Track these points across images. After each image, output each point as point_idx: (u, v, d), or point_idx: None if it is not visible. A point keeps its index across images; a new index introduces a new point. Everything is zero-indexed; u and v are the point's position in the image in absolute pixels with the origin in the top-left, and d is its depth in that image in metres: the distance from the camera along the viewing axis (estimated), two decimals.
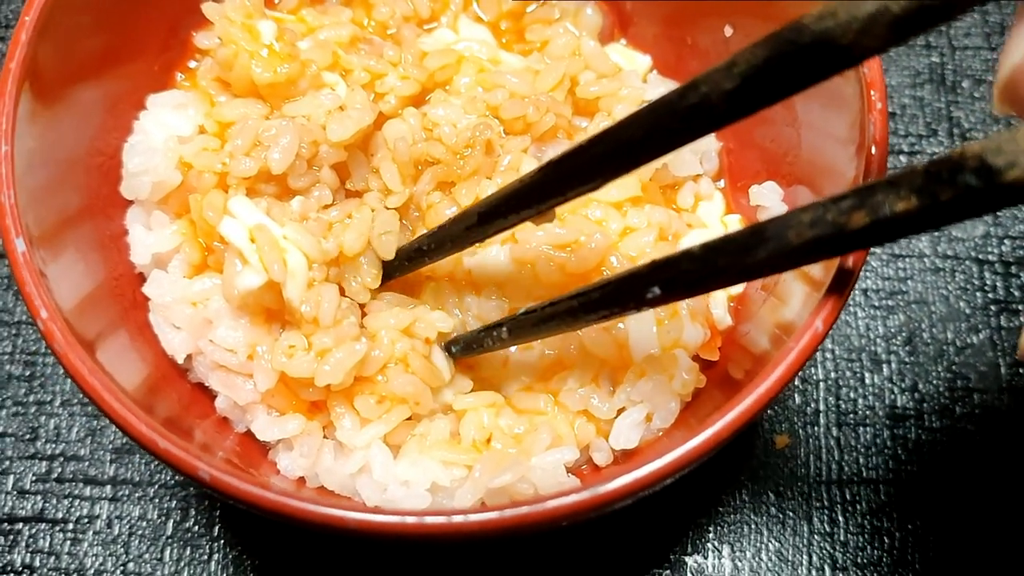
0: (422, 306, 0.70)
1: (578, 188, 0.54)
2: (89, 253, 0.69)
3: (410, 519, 0.53)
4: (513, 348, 0.69)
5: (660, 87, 0.80)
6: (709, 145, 0.79)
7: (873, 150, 0.60)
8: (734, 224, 0.76)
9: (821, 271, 0.60)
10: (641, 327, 0.68)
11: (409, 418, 0.69)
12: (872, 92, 0.61)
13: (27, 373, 0.86)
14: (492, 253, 0.69)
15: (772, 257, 0.46)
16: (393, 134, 0.72)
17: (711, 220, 0.77)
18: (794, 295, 0.65)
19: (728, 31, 0.76)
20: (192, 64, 0.77)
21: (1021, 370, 0.85)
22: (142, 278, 0.72)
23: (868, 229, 0.41)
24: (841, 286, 0.57)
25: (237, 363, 0.66)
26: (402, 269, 0.69)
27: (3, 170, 0.61)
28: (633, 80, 0.78)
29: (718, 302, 0.74)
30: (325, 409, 0.68)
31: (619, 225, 0.72)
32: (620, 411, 0.69)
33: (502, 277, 0.71)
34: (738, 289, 0.75)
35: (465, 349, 0.69)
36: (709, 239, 0.49)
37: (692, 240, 0.74)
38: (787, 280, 0.67)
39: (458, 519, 0.53)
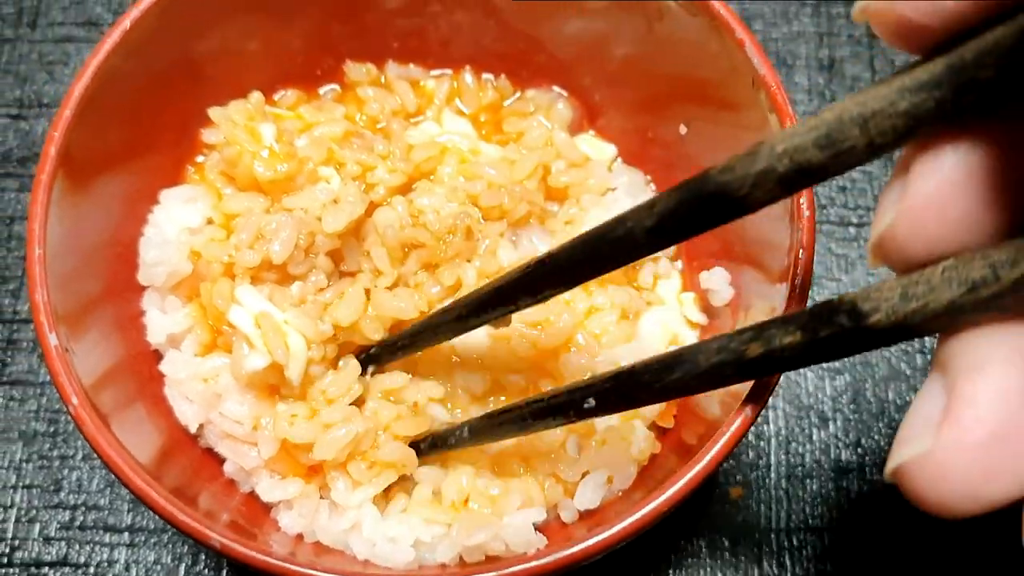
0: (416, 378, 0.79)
1: (528, 300, 0.62)
2: (110, 334, 0.77)
3: None
4: None
5: (623, 175, 0.88)
6: None
7: (803, 202, 0.68)
8: (688, 301, 0.85)
9: None
10: None
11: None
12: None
13: (51, 430, 0.95)
14: (474, 333, 0.77)
15: (685, 378, 0.52)
16: (383, 221, 0.80)
17: (668, 297, 0.85)
18: None
19: (683, 129, 0.84)
20: (200, 158, 0.85)
21: None
22: (157, 355, 0.81)
23: (761, 358, 0.47)
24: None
25: (243, 433, 0.75)
26: (391, 358, 0.78)
27: (37, 271, 0.69)
28: (599, 170, 0.87)
29: None
30: (322, 472, 0.77)
31: (585, 305, 0.80)
32: (585, 474, 0.77)
33: (483, 351, 0.79)
34: None
35: (432, 446, 0.77)
36: (636, 361, 0.56)
37: (651, 318, 0.82)
38: None
39: None
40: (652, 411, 0.78)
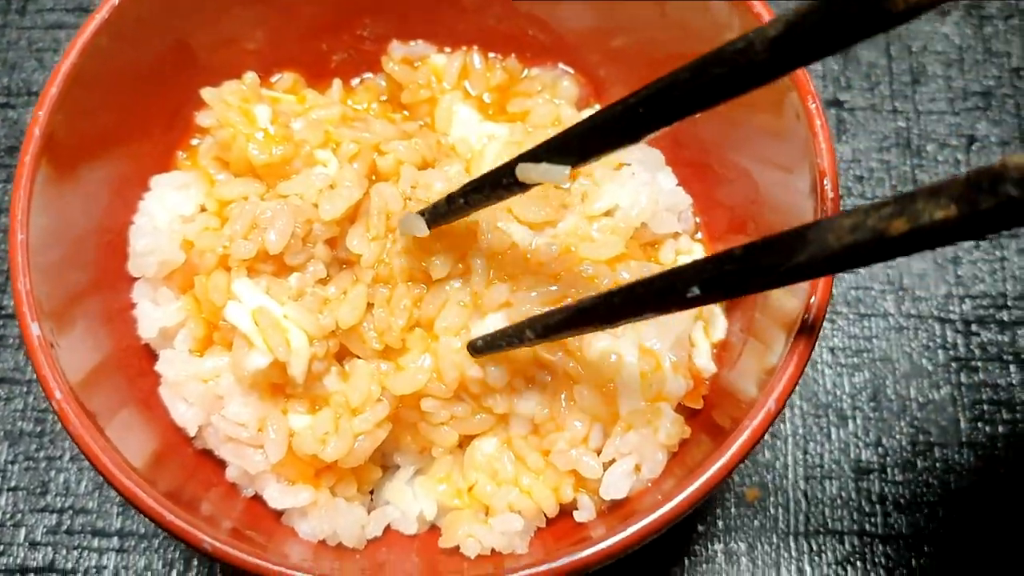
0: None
1: (620, 141, 0.56)
2: (97, 327, 0.73)
3: None
4: (525, 397, 0.74)
5: (637, 151, 0.84)
6: (683, 202, 0.83)
7: (827, 183, 0.65)
8: None
9: (796, 312, 0.65)
10: (628, 382, 0.72)
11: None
12: (816, 122, 0.67)
13: (37, 429, 0.91)
14: (490, 321, 0.74)
15: (812, 260, 0.46)
16: (381, 197, 0.76)
17: None
18: (773, 336, 0.70)
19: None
20: (194, 142, 0.82)
21: (979, 424, 0.90)
22: (147, 349, 0.77)
23: (907, 236, 0.42)
24: (810, 330, 0.63)
25: (248, 436, 0.71)
26: (447, 217, 0.72)
27: (20, 258, 0.66)
28: None
29: (701, 351, 0.78)
30: (334, 468, 0.73)
31: (610, 281, 0.76)
32: (609, 463, 0.73)
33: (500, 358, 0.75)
34: (720, 335, 0.80)
35: (488, 347, 0.71)
36: (750, 241, 0.50)
37: None
38: (765, 322, 0.73)
39: None
40: (678, 393, 0.74)
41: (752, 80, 0.48)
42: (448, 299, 0.75)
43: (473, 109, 0.86)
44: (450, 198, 0.69)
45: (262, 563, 0.58)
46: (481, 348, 0.71)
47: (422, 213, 0.72)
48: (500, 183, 0.64)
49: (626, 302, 0.59)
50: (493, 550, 0.73)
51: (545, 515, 0.75)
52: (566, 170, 0.60)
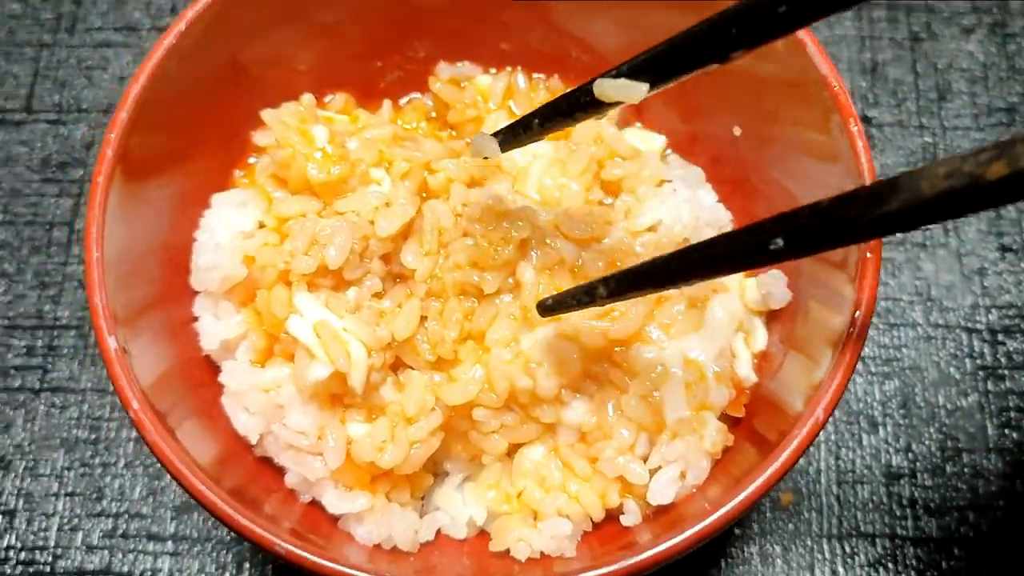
0: None
1: (700, 62, 0.56)
2: (162, 340, 0.76)
3: None
4: (573, 407, 0.76)
5: (678, 168, 0.88)
6: (723, 218, 0.86)
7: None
8: (751, 286, 0.83)
9: (839, 326, 0.68)
10: (673, 392, 0.75)
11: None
12: (859, 143, 0.70)
13: (92, 437, 0.94)
14: (540, 333, 0.76)
15: (904, 209, 0.44)
16: (431, 218, 0.79)
17: (731, 284, 0.83)
18: (814, 347, 0.72)
19: (737, 131, 0.84)
20: (251, 160, 0.85)
21: (1006, 431, 0.92)
22: (207, 361, 0.80)
23: (1007, 180, 0.40)
24: (855, 341, 0.66)
25: (308, 444, 0.74)
26: (522, 140, 0.72)
27: (95, 274, 0.68)
28: (653, 161, 0.85)
29: (743, 361, 0.81)
30: (389, 475, 0.76)
31: (655, 294, 0.79)
32: (655, 471, 0.76)
33: (551, 352, 0.77)
34: (761, 346, 0.82)
35: (557, 306, 0.71)
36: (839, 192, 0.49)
37: (717, 304, 0.79)
38: (806, 333, 0.76)
39: None
40: (722, 402, 0.77)
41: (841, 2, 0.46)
42: (499, 312, 0.77)
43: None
44: (525, 121, 0.69)
45: (338, 567, 0.61)
46: (551, 307, 0.71)
47: (496, 135, 0.72)
48: (577, 102, 0.64)
49: (705, 258, 0.57)
50: (542, 553, 0.75)
51: (591, 519, 0.77)
52: (644, 87, 0.59)
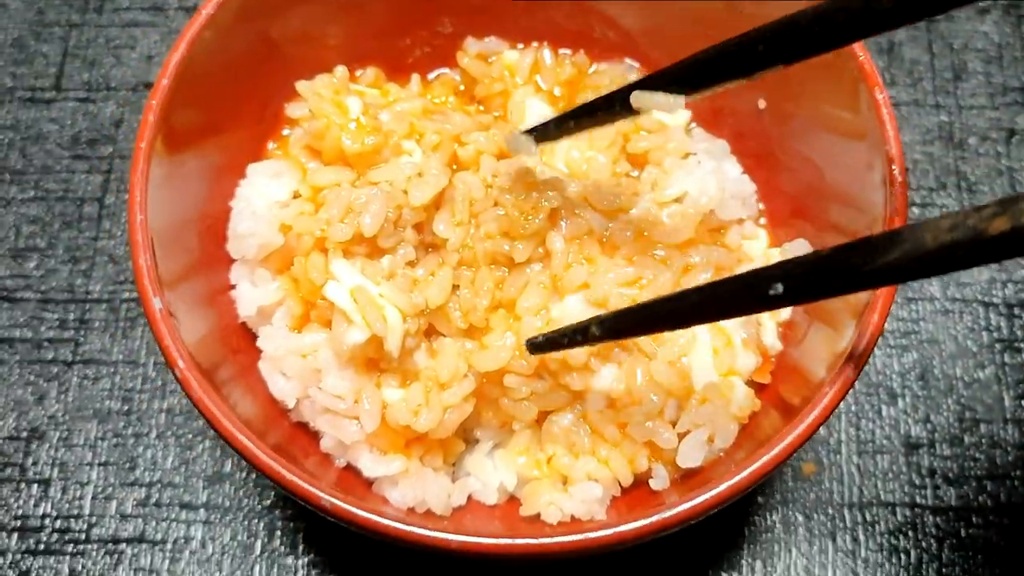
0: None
1: (734, 75, 0.57)
2: (201, 306, 0.78)
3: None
4: (602, 374, 0.77)
5: (703, 141, 0.89)
6: (747, 189, 0.88)
7: (895, 168, 0.69)
8: (776, 256, 0.84)
9: (862, 298, 0.69)
10: (700, 357, 0.77)
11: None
12: (884, 111, 0.72)
13: (124, 408, 0.95)
14: (568, 302, 0.78)
15: (906, 260, 0.45)
16: (462, 189, 0.80)
17: (756, 255, 0.85)
18: (837, 318, 0.74)
19: (762, 104, 0.85)
20: (285, 132, 0.86)
21: (1022, 402, 0.94)
22: (244, 328, 0.81)
23: (1008, 235, 0.40)
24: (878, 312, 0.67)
25: (344, 408, 0.75)
26: (555, 138, 0.75)
27: (140, 237, 0.70)
28: (678, 134, 0.87)
29: (768, 330, 0.82)
30: (423, 439, 0.78)
31: (681, 262, 0.81)
32: (683, 435, 0.77)
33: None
34: (786, 315, 0.83)
35: (548, 345, 0.72)
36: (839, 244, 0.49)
37: None
38: (829, 306, 0.76)
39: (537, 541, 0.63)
40: (749, 368, 0.79)
41: (879, 25, 0.47)
42: (529, 281, 0.79)
43: (544, 102, 0.90)
44: (560, 120, 0.71)
45: (383, 520, 0.63)
46: (541, 345, 0.72)
47: (530, 132, 0.74)
48: (613, 108, 0.66)
49: (704, 301, 0.58)
50: (573, 517, 0.77)
51: (620, 484, 0.79)
52: (681, 99, 0.60)
